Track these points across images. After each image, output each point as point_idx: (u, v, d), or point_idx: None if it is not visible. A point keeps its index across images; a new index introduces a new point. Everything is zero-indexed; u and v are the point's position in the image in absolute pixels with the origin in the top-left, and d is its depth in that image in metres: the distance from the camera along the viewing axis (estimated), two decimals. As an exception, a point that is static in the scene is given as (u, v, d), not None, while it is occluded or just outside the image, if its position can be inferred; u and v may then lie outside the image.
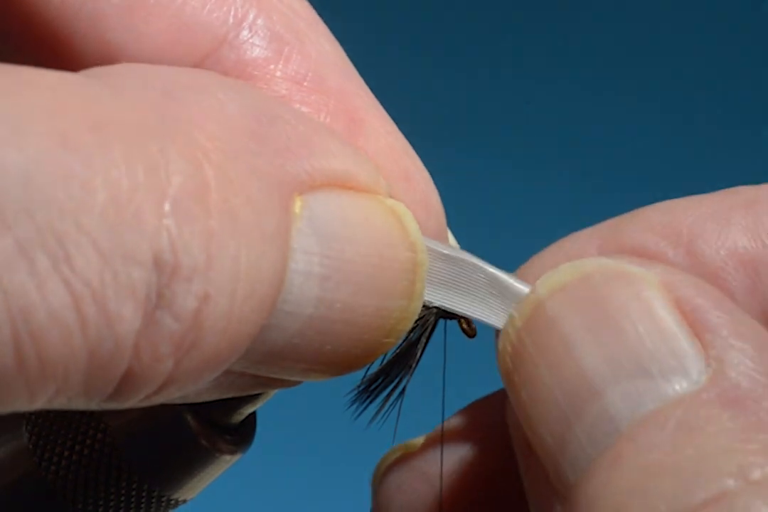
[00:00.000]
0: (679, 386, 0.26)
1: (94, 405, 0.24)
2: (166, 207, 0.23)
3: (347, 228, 0.26)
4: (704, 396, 0.26)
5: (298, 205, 0.26)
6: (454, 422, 0.33)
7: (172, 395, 0.25)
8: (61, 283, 0.21)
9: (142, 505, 0.34)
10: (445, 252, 0.30)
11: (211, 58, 0.30)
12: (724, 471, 0.24)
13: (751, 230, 0.31)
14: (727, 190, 0.32)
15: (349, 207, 0.27)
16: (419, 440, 0.34)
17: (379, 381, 0.32)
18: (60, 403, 0.23)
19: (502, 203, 1.32)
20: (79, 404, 0.23)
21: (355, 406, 0.32)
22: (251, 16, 0.30)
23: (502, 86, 1.39)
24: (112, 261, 0.22)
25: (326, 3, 0.35)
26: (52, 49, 0.30)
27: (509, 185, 1.33)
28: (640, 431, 0.25)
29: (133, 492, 0.34)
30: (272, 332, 0.26)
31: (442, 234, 0.31)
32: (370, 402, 0.32)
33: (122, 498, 0.34)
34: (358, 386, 0.32)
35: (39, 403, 0.23)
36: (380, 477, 0.34)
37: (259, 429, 0.36)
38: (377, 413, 0.32)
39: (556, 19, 1.45)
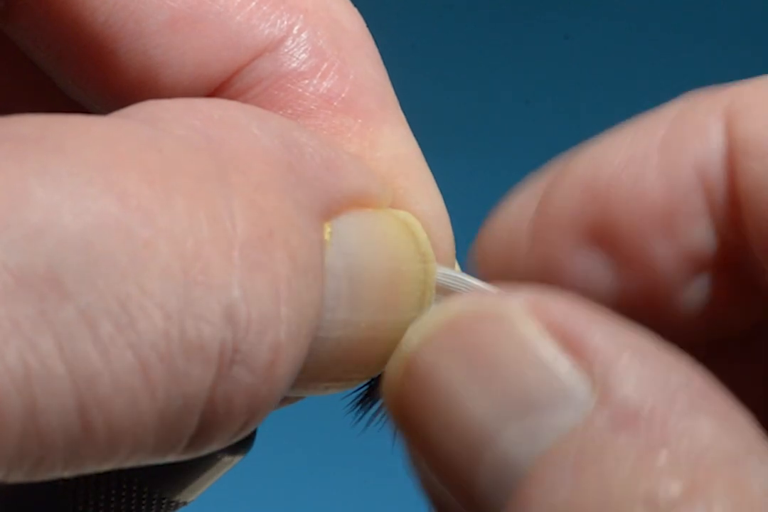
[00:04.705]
0: (569, 416, 0.24)
1: (168, 460, 0.23)
2: (236, 259, 0.22)
3: (368, 247, 0.26)
4: (596, 422, 0.23)
5: (327, 232, 0.25)
6: None
7: (240, 437, 0.24)
8: (127, 348, 0.21)
9: (143, 507, 0.34)
10: (450, 275, 0.30)
11: (247, 66, 0.29)
12: (631, 499, 0.22)
13: (665, 177, 0.29)
14: (645, 121, 0.31)
15: (369, 226, 0.27)
16: None
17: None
18: (132, 463, 0.22)
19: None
20: (153, 461, 0.23)
21: (355, 411, 0.32)
22: (296, 30, 0.30)
23: (501, 87, 1.39)
24: (180, 321, 0.21)
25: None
26: (95, 64, 0.30)
27: (507, 186, 1.33)
28: (542, 471, 0.23)
29: (134, 494, 0.34)
30: (306, 358, 0.25)
31: (449, 262, 0.31)
32: (371, 406, 0.32)
33: (123, 500, 0.34)
34: (358, 390, 0.32)
35: (110, 466, 0.22)
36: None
37: (259, 431, 0.36)
38: (374, 417, 0.32)
39: (556, 19, 1.45)
